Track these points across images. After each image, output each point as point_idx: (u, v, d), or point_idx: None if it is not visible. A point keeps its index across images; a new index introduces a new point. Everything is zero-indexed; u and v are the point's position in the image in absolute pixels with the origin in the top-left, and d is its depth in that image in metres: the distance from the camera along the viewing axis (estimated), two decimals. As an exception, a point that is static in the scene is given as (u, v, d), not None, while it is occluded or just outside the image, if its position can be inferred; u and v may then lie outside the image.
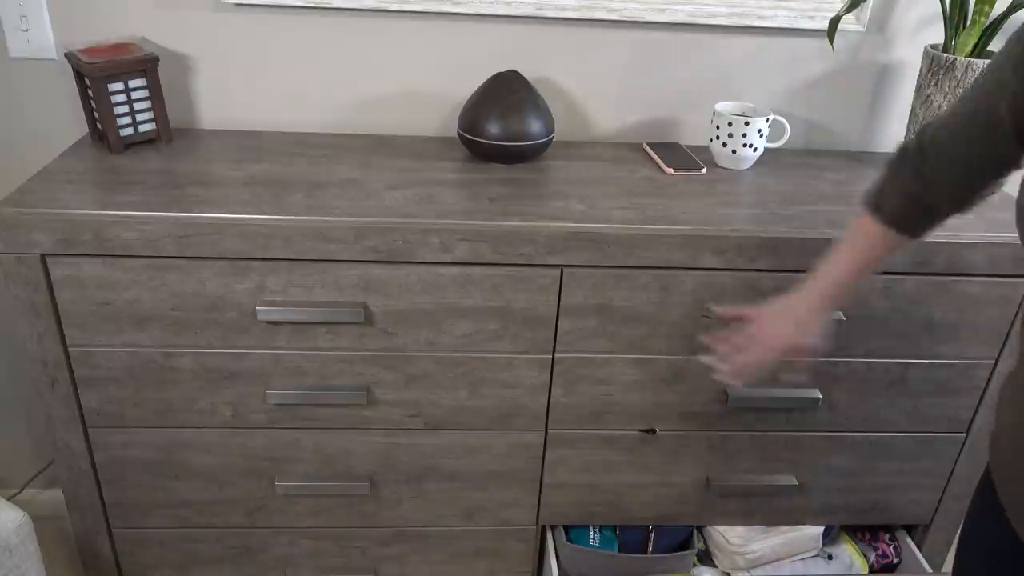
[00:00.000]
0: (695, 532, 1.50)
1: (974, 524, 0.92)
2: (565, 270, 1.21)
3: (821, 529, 1.49)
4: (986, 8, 1.29)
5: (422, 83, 1.47)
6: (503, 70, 1.41)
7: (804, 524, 1.50)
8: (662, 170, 1.40)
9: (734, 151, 1.40)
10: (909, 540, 1.54)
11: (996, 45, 1.38)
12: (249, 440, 1.33)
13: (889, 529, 1.58)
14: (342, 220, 1.15)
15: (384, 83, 1.47)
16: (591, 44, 1.46)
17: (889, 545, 1.54)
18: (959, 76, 1.31)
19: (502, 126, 1.32)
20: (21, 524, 1.31)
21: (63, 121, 1.45)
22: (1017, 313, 1.29)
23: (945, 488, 1.47)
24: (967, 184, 0.89)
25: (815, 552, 1.51)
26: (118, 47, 1.34)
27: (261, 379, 1.27)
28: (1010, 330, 1.30)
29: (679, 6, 1.42)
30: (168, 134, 1.39)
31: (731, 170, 1.43)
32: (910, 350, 1.32)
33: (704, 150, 1.51)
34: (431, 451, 1.36)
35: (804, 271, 1.24)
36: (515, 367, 1.29)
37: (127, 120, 1.34)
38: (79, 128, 1.45)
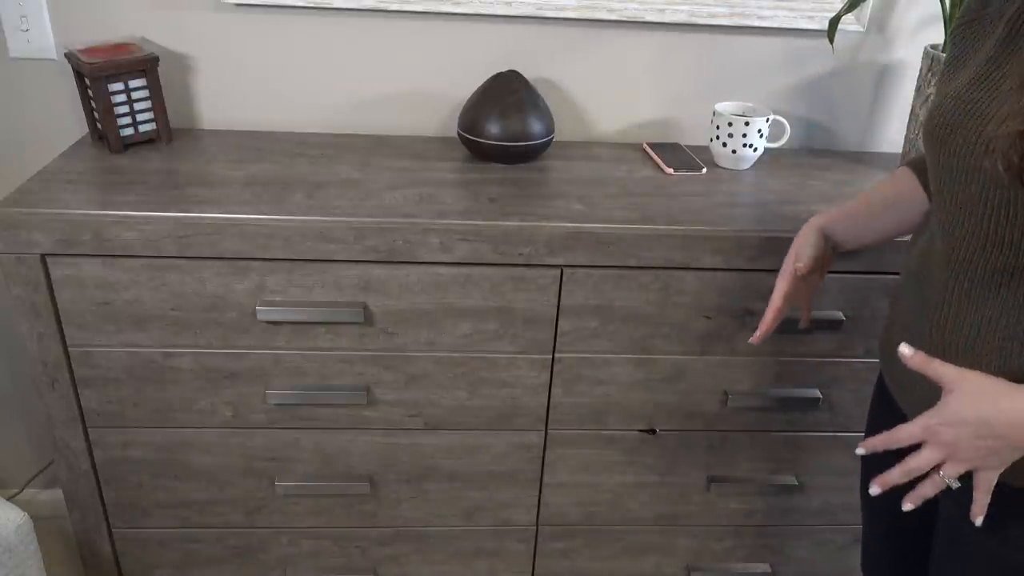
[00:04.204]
0: None
1: (872, 415, 1.08)
2: (565, 270, 1.21)
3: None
4: (986, 8, 1.29)
5: (422, 83, 1.47)
6: (503, 70, 1.41)
7: (804, 524, 1.50)
8: (662, 170, 1.40)
9: (734, 151, 1.40)
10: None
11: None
12: (249, 440, 1.33)
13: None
14: (342, 220, 1.15)
15: (384, 83, 1.47)
16: (591, 44, 1.46)
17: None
18: (959, 76, 1.31)
19: (502, 126, 1.32)
20: (21, 524, 1.31)
21: (63, 121, 1.45)
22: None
23: (945, 488, 1.47)
24: None
25: None
26: (118, 47, 1.34)
27: (261, 379, 1.27)
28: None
29: (679, 6, 1.42)
30: (168, 134, 1.39)
31: (731, 170, 1.43)
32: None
33: (704, 150, 1.51)
34: (431, 451, 1.36)
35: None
36: (515, 367, 1.29)
37: (127, 120, 1.34)
38: (79, 128, 1.45)
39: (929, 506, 1.01)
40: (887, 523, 1.08)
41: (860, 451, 0.87)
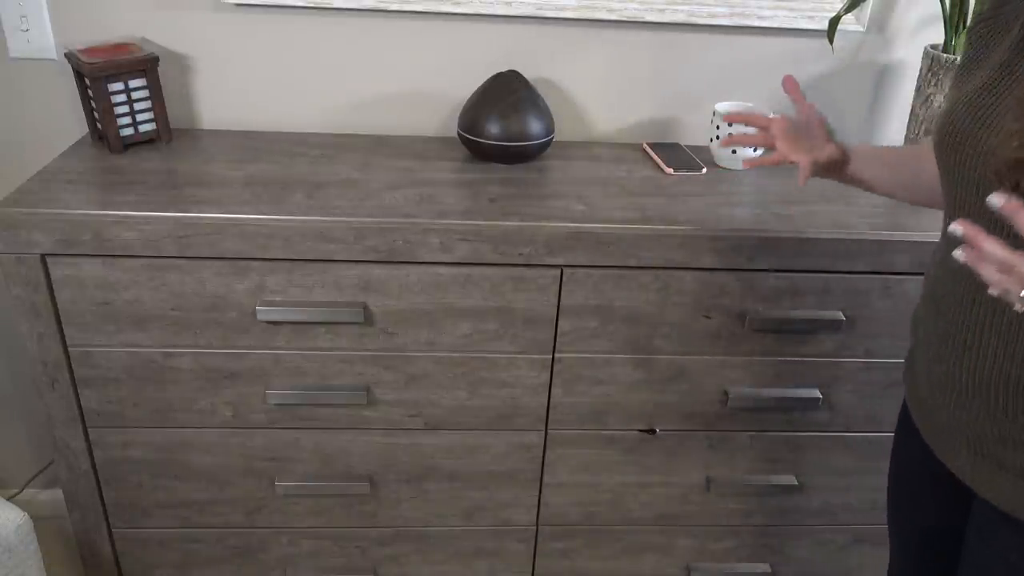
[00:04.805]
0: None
1: (897, 442, 1.06)
2: (565, 270, 1.21)
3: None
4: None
5: (422, 83, 1.47)
6: (503, 70, 1.41)
7: (804, 524, 1.50)
8: (662, 170, 1.40)
9: (734, 151, 1.40)
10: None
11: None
12: (249, 440, 1.33)
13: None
14: (342, 220, 1.15)
15: (384, 83, 1.47)
16: (591, 44, 1.46)
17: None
18: (959, 76, 1.31)
19: (502, 126, 1.32)
20: (21, 524, 1.31)
21: (63, 121, 1.45)
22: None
23: (945, 488, 1.47)
24: None
25: None
26: (118, 47, 1.34)
27: (261, 379, 1.27)
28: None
29: (679, 6, 1.42)
30: (168, 134, 1.39)
31: (731, 170, 1.43)
32: (910, 350, 1.32)
33: (704, 150, 1.51)
34: (431, 451, 1.36)
35: (804, 271, 1.24)
36: (515, 367, 1.29)
37: (127, 120, 1.34)
38: (79, 128, 1.45)
39: (955, 530, 0.99)
40: (916, 544, 1.06)
41: (956, 228, 0.68)
